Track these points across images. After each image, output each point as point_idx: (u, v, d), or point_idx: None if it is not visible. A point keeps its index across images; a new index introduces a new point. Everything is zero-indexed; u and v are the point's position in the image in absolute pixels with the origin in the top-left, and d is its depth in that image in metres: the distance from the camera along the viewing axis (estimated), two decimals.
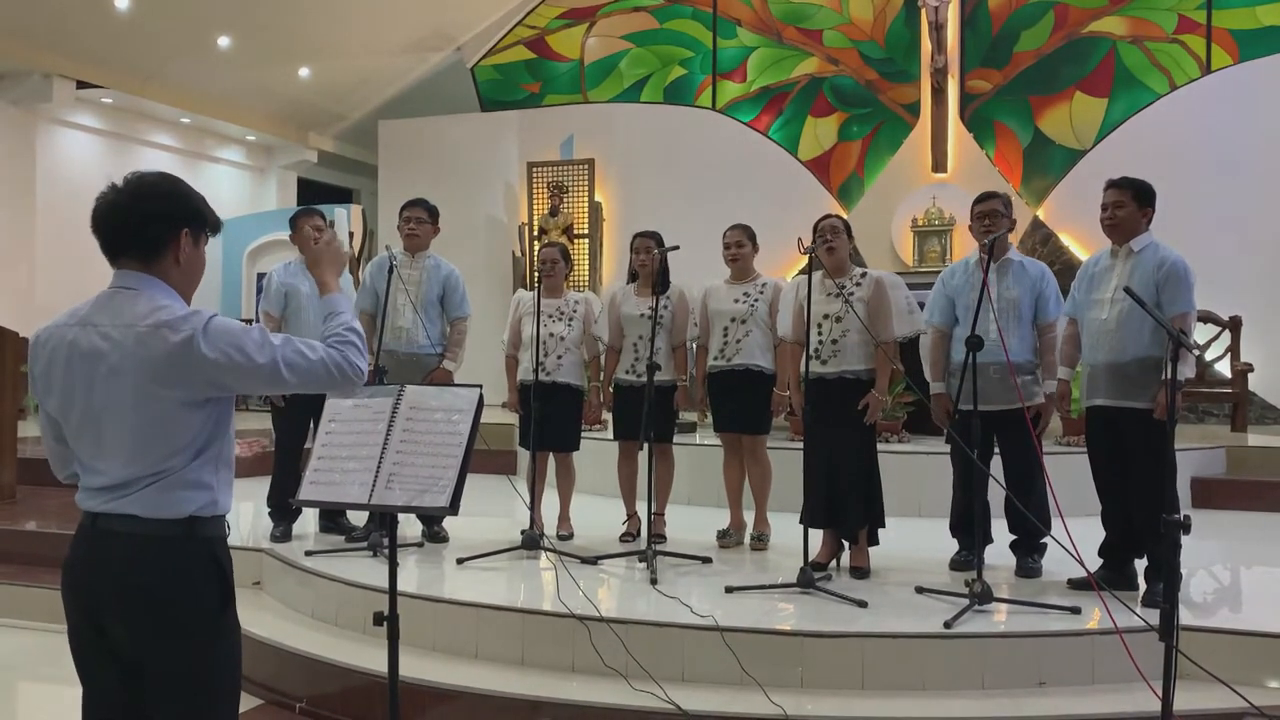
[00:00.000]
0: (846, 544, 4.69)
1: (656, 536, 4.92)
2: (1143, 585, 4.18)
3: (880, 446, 4.76)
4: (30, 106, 10.29)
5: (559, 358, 5.26)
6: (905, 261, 9.81)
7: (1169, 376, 2.94)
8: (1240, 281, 8.59)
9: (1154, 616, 2.94)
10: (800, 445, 4.51)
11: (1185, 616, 3.71)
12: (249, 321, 2.20)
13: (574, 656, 3.79)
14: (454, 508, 2.56)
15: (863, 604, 4.01)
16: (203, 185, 2.28)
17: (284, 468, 5.32)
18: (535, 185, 10.99)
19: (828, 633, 3.72)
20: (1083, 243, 9.28)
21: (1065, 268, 8.70)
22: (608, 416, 5.73)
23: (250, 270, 12.01)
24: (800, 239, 4.46)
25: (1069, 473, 4.91)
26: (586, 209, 10.88)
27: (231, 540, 2.19)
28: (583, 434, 5.55)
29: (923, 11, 10.00)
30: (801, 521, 4.37)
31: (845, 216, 5.83)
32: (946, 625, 3.71)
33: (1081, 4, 9.78)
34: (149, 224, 2.08)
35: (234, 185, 12.86)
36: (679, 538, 5.20)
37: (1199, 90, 9.42)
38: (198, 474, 2.06)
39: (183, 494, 2.05)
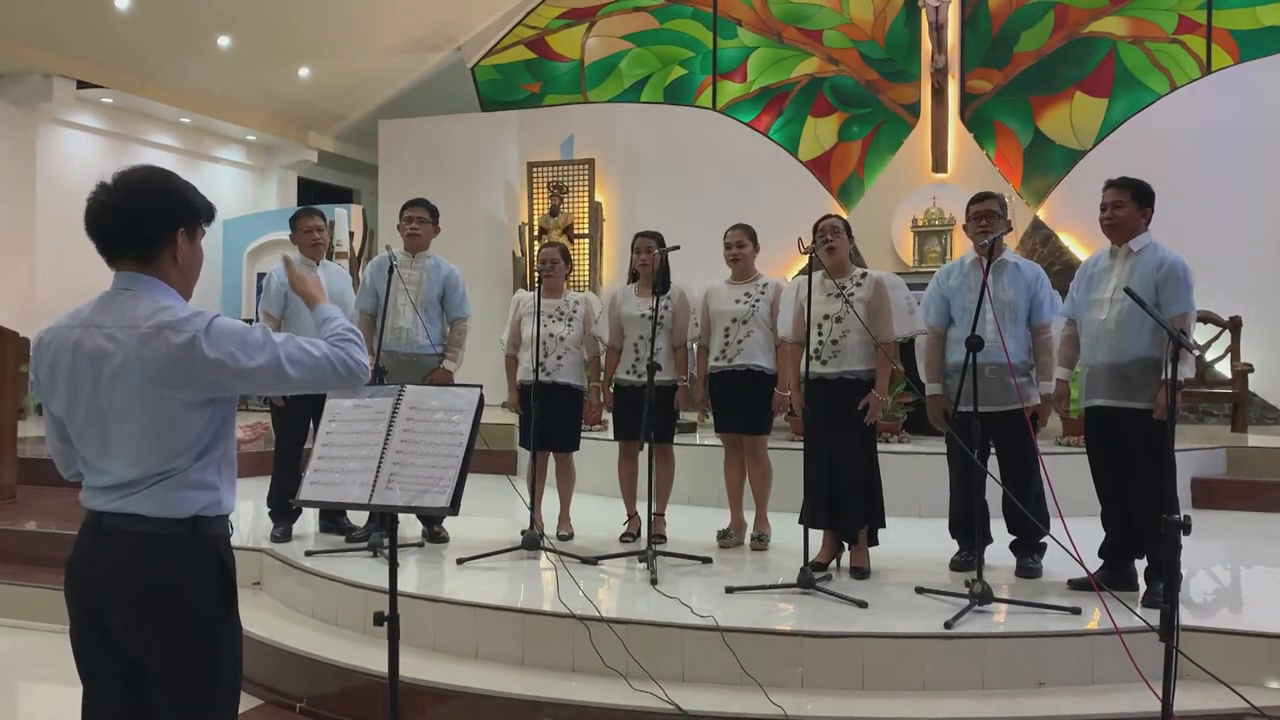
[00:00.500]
0: (846, 544, 4.69)
1: (657, 537, 4.92)
2: (1143, 586, 4.18)
3: (880, 447, 4.76)
4: (30, 106, 10.28)
5: (559, 358, 5.26)
6: (905, 262, 9.80)
7: (1169, 377, 2.95)
8: (1240, 282, 8.59)
9: (1154, 617, 2.94)
10: (800, 445, 4.51)
11: (1185, 617, 3.71)
12: (250, 322, 2.20)
13: (574, 657, 3.80)
14: (454, 508, 2.56)
15: (863, 604, 4.01)
16: (203, 185, 2.27)
17: (284, 468, 5.32)
18: (535, 185, 10.99)
19: (828, 633, 3.72)
20: (1083, 243, 9.28)
21: (1065, 268, 8.71)
22: (608, 417, 5.73)
23: (250, 270, 12.00)
24: (800, 239, 4.47)
25: (1068, 473, 4.91)
26: (586, 209, 10.88)
27: (232, 540, 2.19)
28: (583, 434, 5.55)
29: (923, 12, 10.00)
30: (801, 522, 4.38)
31: (845, 216, 5.83)
32: (947, 625, 3.71)
33: (1082, 4, 9.78)
34: (143, 225, 2.08)
35: (234, 185, 12.85)
36: (679, 538, 5.21)
37: (1199, 90, 9.41)
38: (202, 474, 2.07)
39: (188, 494, 2.05)
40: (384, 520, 4.78)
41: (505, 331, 5.53)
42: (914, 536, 5.23)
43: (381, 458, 2.66)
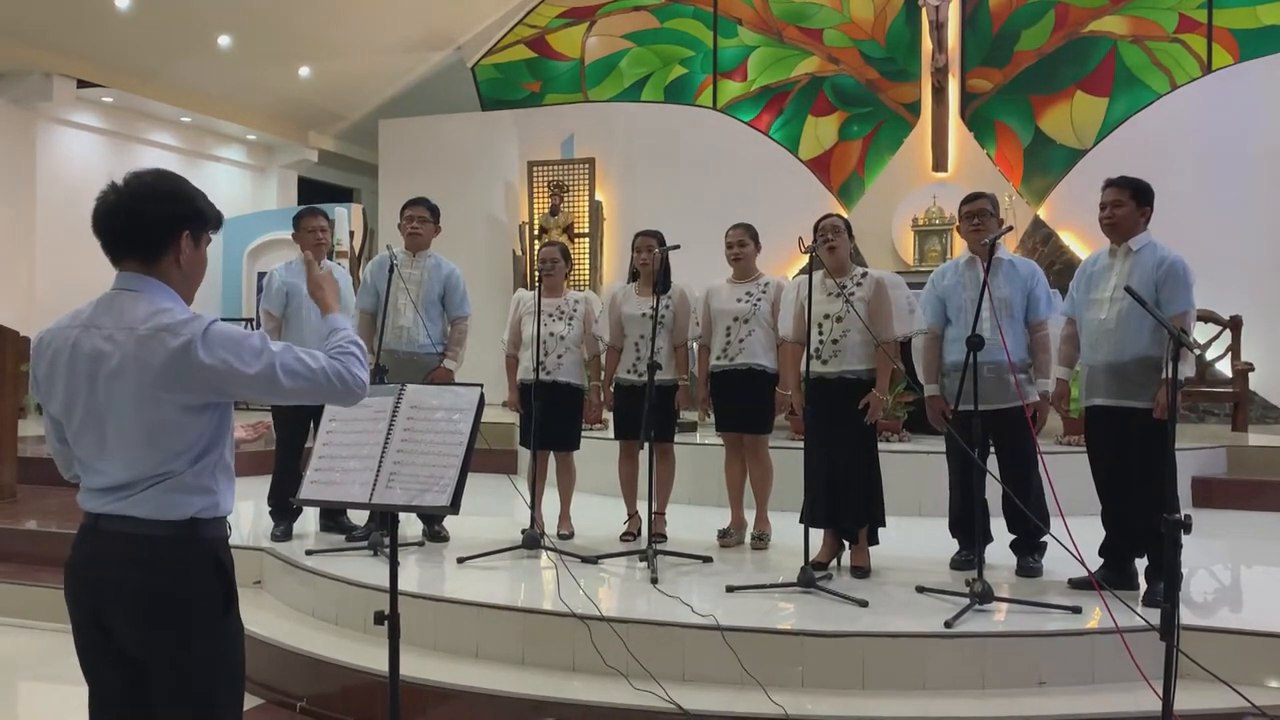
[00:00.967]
0: (847, 543, 4.69)
1: (657, 536, 4.92)
2: (1143, 585, 4.18)
3: (881, 446, 4.76)
4: (30, 105, 10.28)
5: (559, 357, 5.26)
6: (906, 261, 9.80)
7: (1169, 376, 2.94)
8: (1241, 281, 8.58)
9: (1155, 616, 2.94)
10: (801, 445, 4.51)
11: (1186, 616, 3.70)
12: (250, 321, 2.20)
13: (575, 656, 3.80)
14: (455, 507, 2.56)
15: (863, 603, 4.01)
16: (203, 184, 2.27)
17: (285, 467, 5.33)
18: (535, 184, 10.99)
19: (828, 632, 3.72)
20: (1083, 242, 9.27)
21: (1065, 267, 8.71)
22: (608, 416, 5.73)
23: (251, 269, 12.01)
24: (801, 238, 4.47)
25: (1069, 472, 4.90)
26: (587, 208, 10.88)
27: (232, 540, 2.20)
28: (583, 433, 5.55)
29: (923, 11, 9.99)
30: (802, 521, 4.38)
31: (846, 216, 5.83)
32: (947, 625, 3.71)
33: (1082, 3, 9.77)
34: (150, 226, 2.08)
35: (234, 184, 12.85)
36: (680, 537, 5.21)
37: (1200, 90, 9.40)
38: (199, 478, 2.06)
39: (185, 497, 2.05)
40: (384, 519, 4.79)
41: (505, 331, 5.53)
42: (914, 535, 5.23)
43: (382, 457, 2.66)
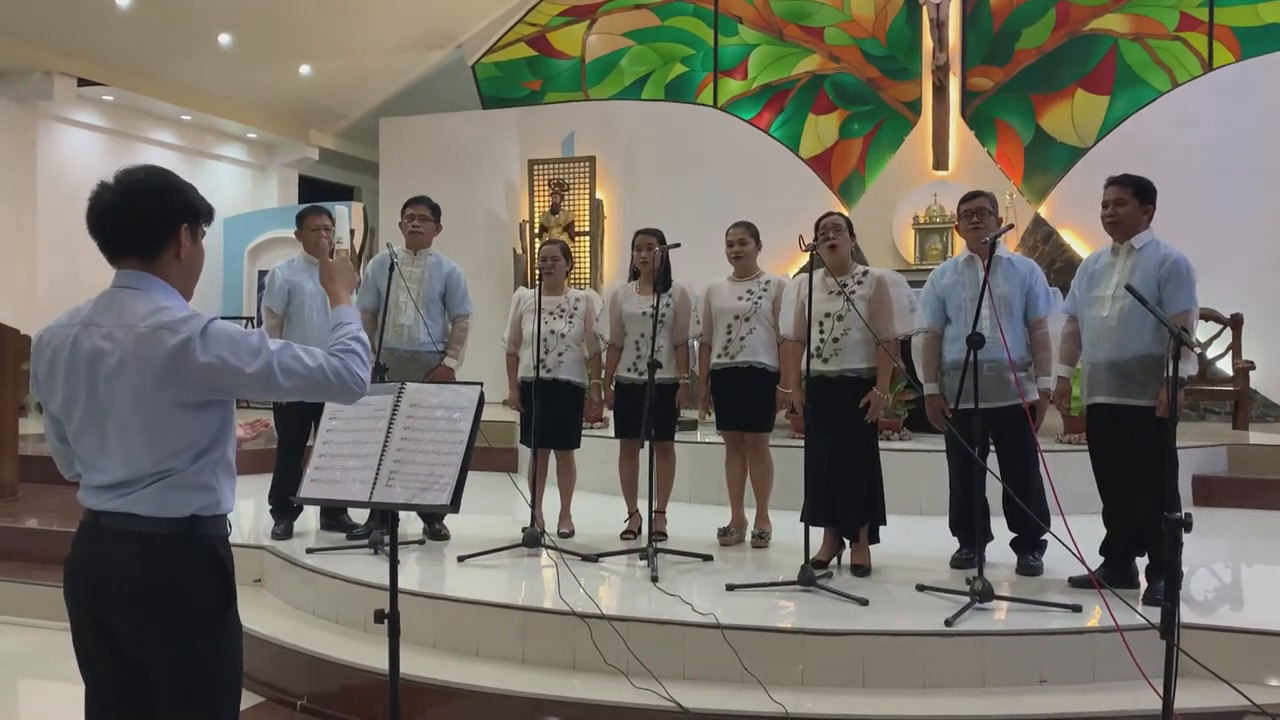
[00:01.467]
0: (847, 542, 4.69)
1: (657, 534, 4.92)
2: (1144, 583, 4.18)
3: (881, 444, 4.76)
4: (31, 104, 10.29)
5: (559, 355, 5.26)
6: (907, 259, 9.80)
7: (1171, 374, 2.94)
8: (1242, 279, 8.57)
9: (1155, 614, 2.94)
10: (802, 443, 4.51)
11: (1186, 614, 3.70)
12: (250, 320, 2.21)
13: (575, 654, 3.80)
14: (455, 505, 2.56)
15: (864, 602, 4.01)
16: (204, 183, 2.28)
17: (285, 465, 5.33)
18: (536, 183, 10.99)
19: (829, 630, 3.72)
20: (1084, 240, 9.27)
21: (1066, 265, 8.70)
22: (609, 414, 5.73)
23: (251, 268, 12.00)
24: (801, 236, 4.46)
25: (1070, 470, 4.90)
26: (587, 206, 10.88)
27: (232, 538, 2.19)
28: (584, 432, 5.55)
29: (924, 9, 9.99)
30: (802, 519, 4.38)
31: (847, 214, 5.82)
32: (947, 623, 3.71)
33: (1083, 1, 9.76)
34: (146, 223, 2.07)
35: (235, 183, 12.85)
36: (680, 535, 5.20)
37: (1201, 88, 9.40)
38: (199, 476, 2.06)
39: (185, 494, 2.05)
40: (385, 518, 4.79)
41: (506, 329, 5.53)
42: (915, 534, 5.23)
43: (382, 455, 2.66)
